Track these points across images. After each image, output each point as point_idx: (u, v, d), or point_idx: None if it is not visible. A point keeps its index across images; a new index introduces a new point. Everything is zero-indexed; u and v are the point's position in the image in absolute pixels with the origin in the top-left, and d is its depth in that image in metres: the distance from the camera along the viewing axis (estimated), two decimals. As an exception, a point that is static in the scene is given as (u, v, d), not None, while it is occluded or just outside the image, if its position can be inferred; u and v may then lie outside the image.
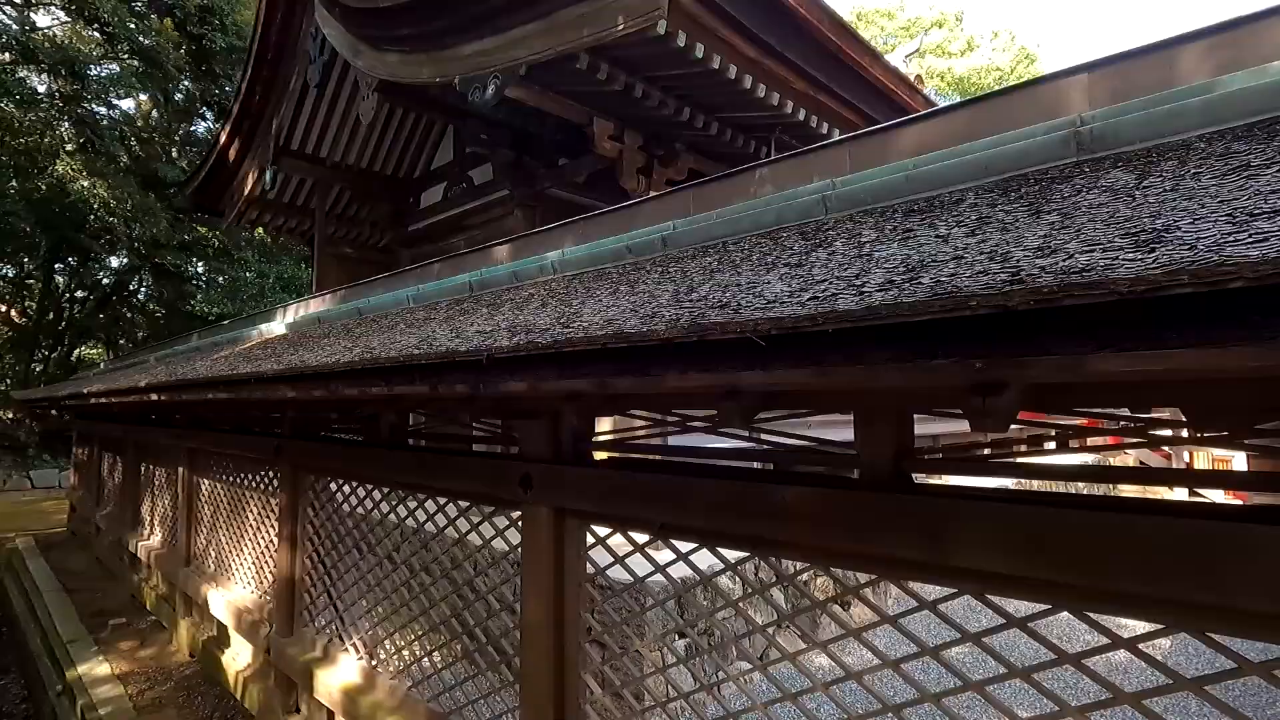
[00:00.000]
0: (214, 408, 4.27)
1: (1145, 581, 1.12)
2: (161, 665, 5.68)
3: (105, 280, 21.48)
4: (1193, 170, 0.99)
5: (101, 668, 5.64)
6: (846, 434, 1.62)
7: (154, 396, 3.66)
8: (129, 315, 22.10)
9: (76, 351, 22.29)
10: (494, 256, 2.78)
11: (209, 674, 5.19)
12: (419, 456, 3.05)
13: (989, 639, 1.45)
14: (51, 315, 20.73)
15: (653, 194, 2.22)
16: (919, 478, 1.61)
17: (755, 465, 2.13)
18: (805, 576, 4.92)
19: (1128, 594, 1.17)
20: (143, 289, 22.41)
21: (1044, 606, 1.35)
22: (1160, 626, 1.22)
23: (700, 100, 6.50)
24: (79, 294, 21.90)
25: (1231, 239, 0.67)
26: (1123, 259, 0.69)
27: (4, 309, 20.90)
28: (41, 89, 14.21)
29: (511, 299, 2.19)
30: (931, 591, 1.47)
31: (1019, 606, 1.35)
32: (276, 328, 4.28)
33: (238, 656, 4.82)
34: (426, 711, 3.02)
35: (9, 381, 18.81)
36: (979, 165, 1.32)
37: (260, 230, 13.49)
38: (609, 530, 2.27)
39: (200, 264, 19.65)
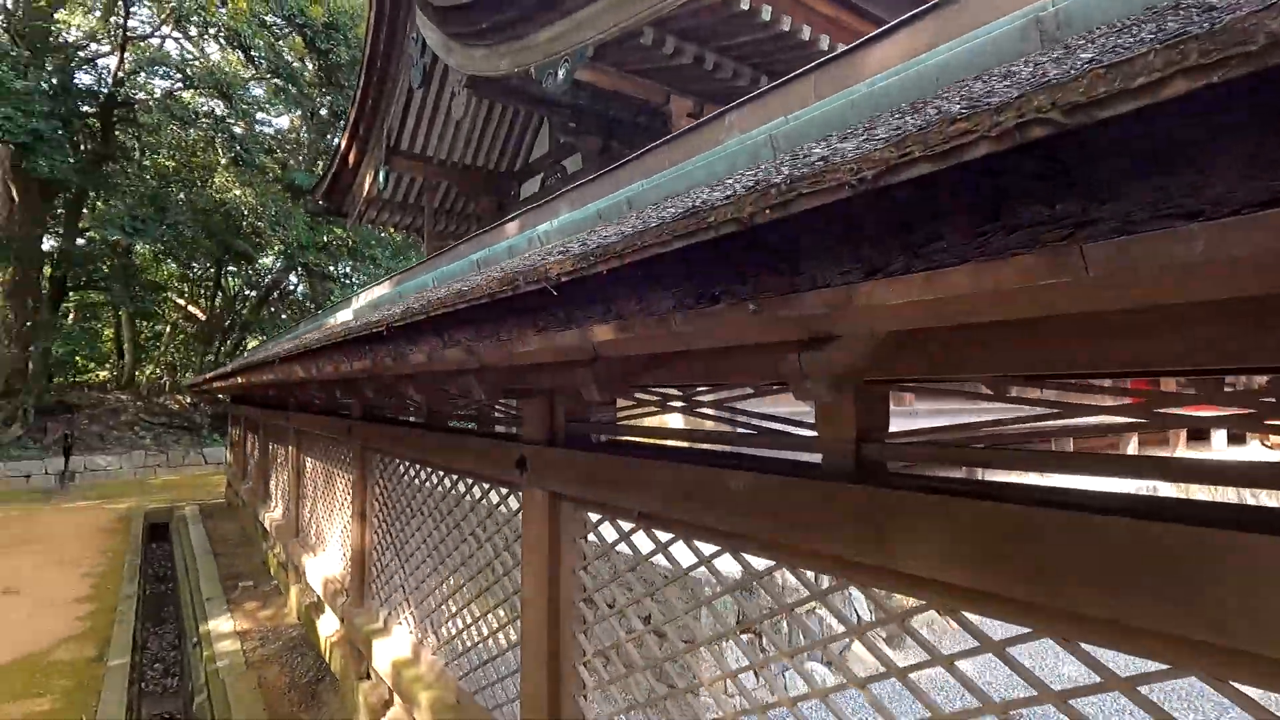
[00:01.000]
0: (286, 389, 4.55)
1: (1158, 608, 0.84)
2: (275, 626, 6.24)
3: (265, 280, 24.14)
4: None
5: (226, 624, 6.29)
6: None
7: (238, 379, 3.94)
8: (285, 311, 24.67)
9: (244, 344, 25.17)
10: (504, 232, 2.72)
11: (309, 637, 5.62)
12: (445, 437, 3.07)
13: (964, 662, 1.19)
14: (222, 311, 23.56)
15: (631, 155, 2.04)
16: (904, 468, 1.36)
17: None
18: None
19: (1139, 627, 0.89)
20: (297, 287, 24.96)
21: (1024, 630, 1.08)
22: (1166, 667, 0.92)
23: (776, 68, 6.14)
24: (248, 293, 24.77)
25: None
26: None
27: (186, 305, 23.99)
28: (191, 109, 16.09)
29: (490, 273, 2.11)
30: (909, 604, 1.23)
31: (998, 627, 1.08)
32: (346, 314, 4.51)
33: (327, 622, 5.18)
34: (457, 689, 3.05)
35: (190, 371, 21.61)
36: (929, 77, 1.05)
37: (392, 230, 14.54)
38: (599, 516, 2.15)
39: (339, 263, 21.52)
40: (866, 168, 0.41)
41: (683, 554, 1.82)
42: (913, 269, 0.45)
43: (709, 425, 1.78)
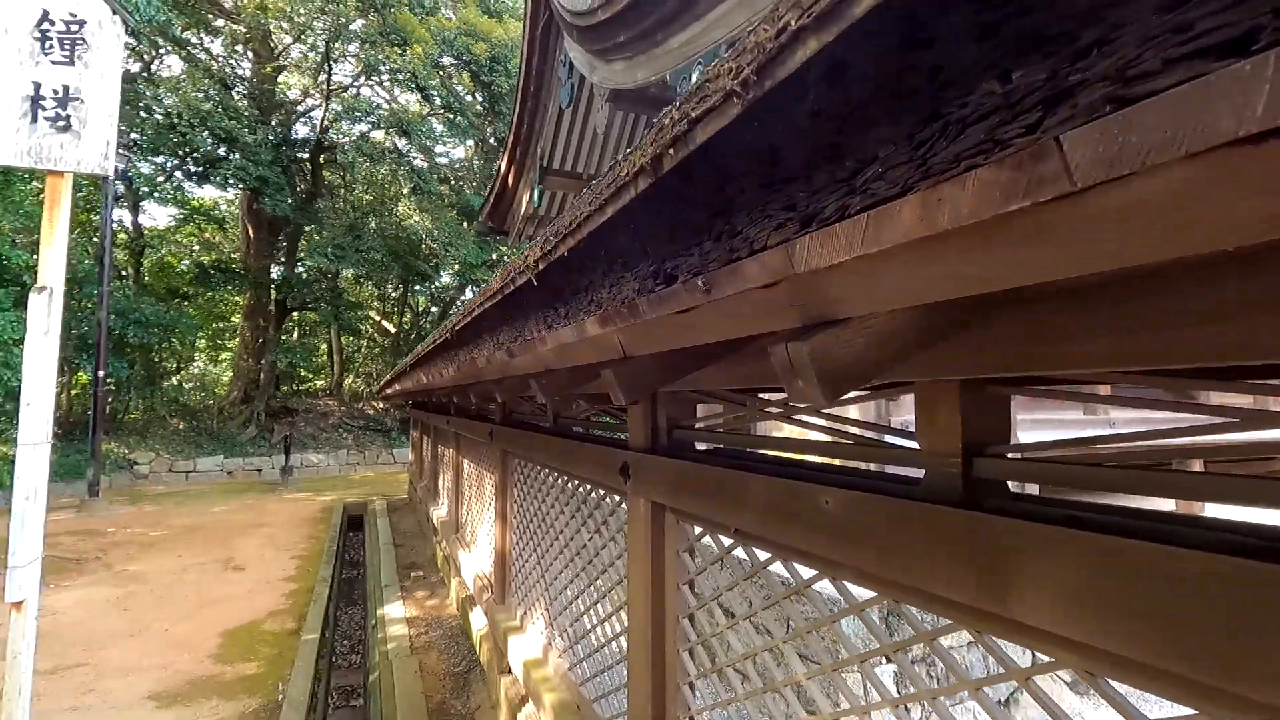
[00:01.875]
0: (435, 393, 4.85)
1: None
2: (437, 615, 6.74)
3: (445, 297, 26.59)
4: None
5: (398, 610, 6.90)
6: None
7: (395, 385, 4.28)
8: (459, 324, 26.92)
9: (425, 355, 27.83)
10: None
11: (464, 628, 6.00)
12: (565, 442, 3.09)
13: (1111, 746, 0.93)
14: (410, 326, 26.26)
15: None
16: (1025, 489, 1.11)
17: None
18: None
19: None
20: (470, 302, 27.19)
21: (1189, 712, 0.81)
22: None
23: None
24: (432, 309, 27.45)
25: None
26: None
27: (380, 321, 27.04)
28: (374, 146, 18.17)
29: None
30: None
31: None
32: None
33: (477, 616, 5.48)
34: (578, 693, 3.05)
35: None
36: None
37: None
38: (702, 530, 2.03)
39: (505, 278, 23.10)
40: (746, 62, 0.28)
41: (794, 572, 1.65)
42: (849, 210, 0.31)
43: (820, 435, 1.60)
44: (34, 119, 2.81)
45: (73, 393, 17.72)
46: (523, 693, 3.85)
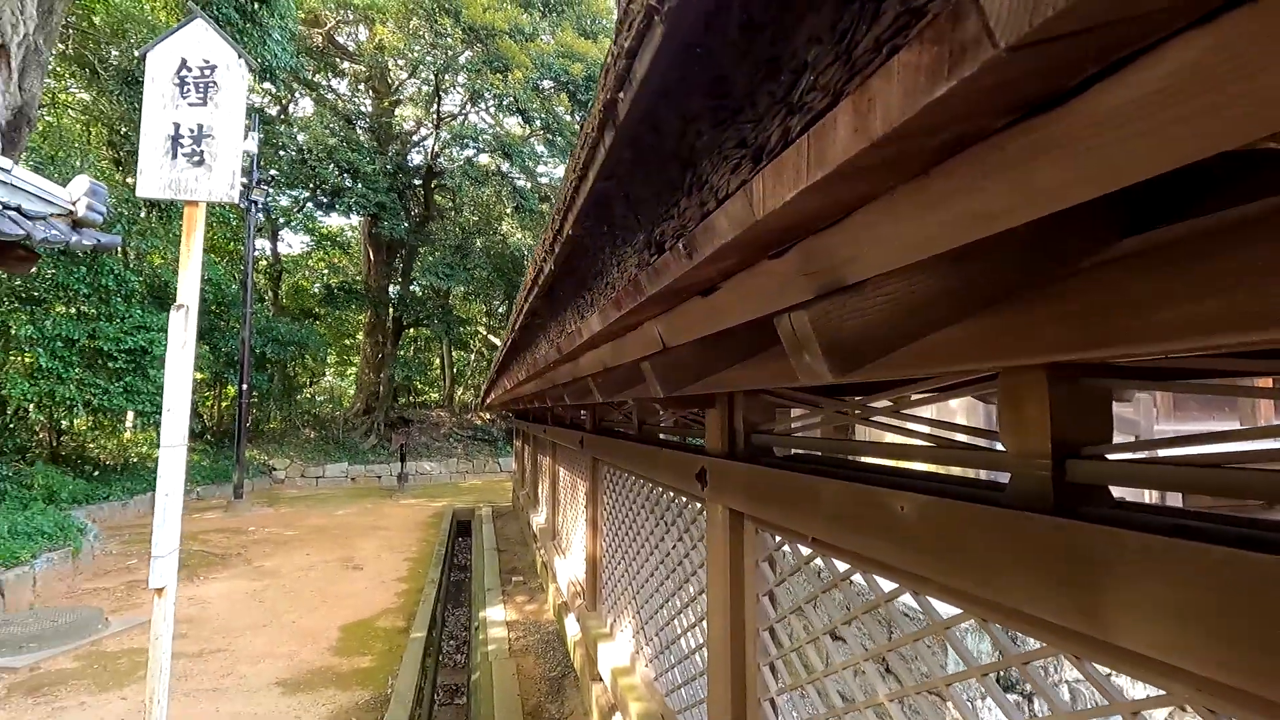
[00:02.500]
0: (526, 399, 4.97)
1: None
2: (535, 620, 6.90)
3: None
4: None
5: (499, 613, 7.12)
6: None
7: (492, 395, 4.43)
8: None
9: (529, 367, 28.80)
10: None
11: (560, 633, 6.10)
12: (646, 449, 3.08)
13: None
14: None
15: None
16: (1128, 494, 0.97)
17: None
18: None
19: None
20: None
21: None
22: None
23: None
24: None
25: None
26: None
27: (487, 335, 28.30)
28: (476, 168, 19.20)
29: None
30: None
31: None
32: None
33: (571, 623, 5.55)
34: (663, 704, 3.01)
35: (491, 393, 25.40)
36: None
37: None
38: (781, 539, 1.95)
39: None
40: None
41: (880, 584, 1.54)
42: (791, 134, 0.26)
43: (901, 438, 1.49)
44: (174, 155, 3.15)
45: (223, 405, 19.70)
46: (613, 701, 3.85)
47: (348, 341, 26.88)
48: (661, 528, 3.06)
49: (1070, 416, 0.98)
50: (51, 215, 4.35)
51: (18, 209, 4.07)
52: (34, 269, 4.59)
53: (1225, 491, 0.84)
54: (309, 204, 20.23)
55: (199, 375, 19.29)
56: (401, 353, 23.25)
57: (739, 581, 2.11)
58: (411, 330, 24.96)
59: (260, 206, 15.24)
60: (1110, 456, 0.94)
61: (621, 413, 3.95)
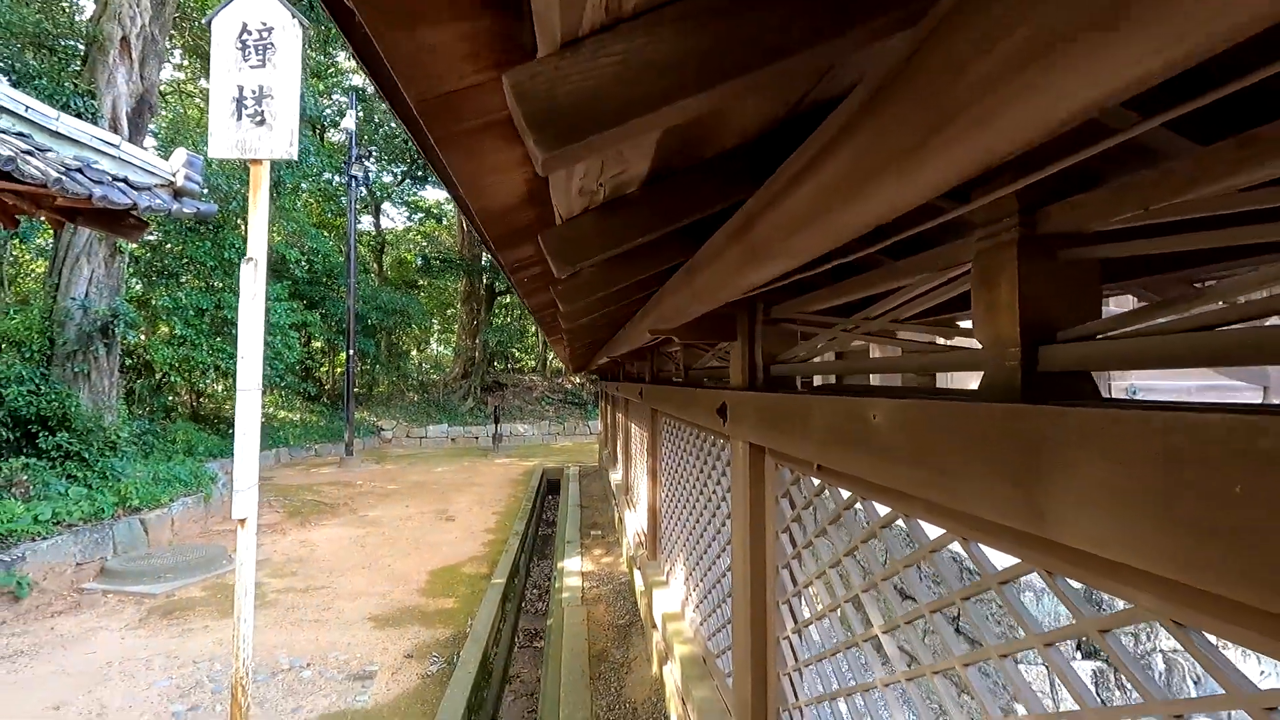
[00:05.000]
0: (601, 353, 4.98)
1: None
2: (609, 571, 7.06)
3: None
4: None
5: (575, 564, 7.34)
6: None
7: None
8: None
9: (618, 333, 29.10)
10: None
11: (631, 585, 6.21)
12: (686, 391, 3.01)
13: None
14: (602, 306, 27.64)
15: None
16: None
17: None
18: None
19: None
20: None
21: None
22: None
23: None
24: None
25: None
26: None
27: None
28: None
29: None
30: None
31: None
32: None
33: (638, 574, 5.63)
34: (705, 647, 3.00)
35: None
36: None
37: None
38: (794, 471, 1.85)
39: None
40: None
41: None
42: None
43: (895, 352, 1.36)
44: (239, 117, 3.33)
45: (337, 370, 21.25)
46: (664, 646, 3.88)
47: (450, 312, 28.17)
48: (704, 474, 3.01)
49: (1045, 296, 0.84)
50: (155, 185, 4.74)
51: (125, 180, 4.46)
52: (146, 236, 5.03)
53: (1224, 359, 0.68)
54: (407, 179, 21.15)
55: (316, 344, 20.89)
56: (495, 320, 24.10)
57: (759, 518, 2.03)
58: (505, 299, 25.82)
59: (360, 181, 16.07)
60: (1087, 338, 0.80)
61: (673, 361, 3.89)
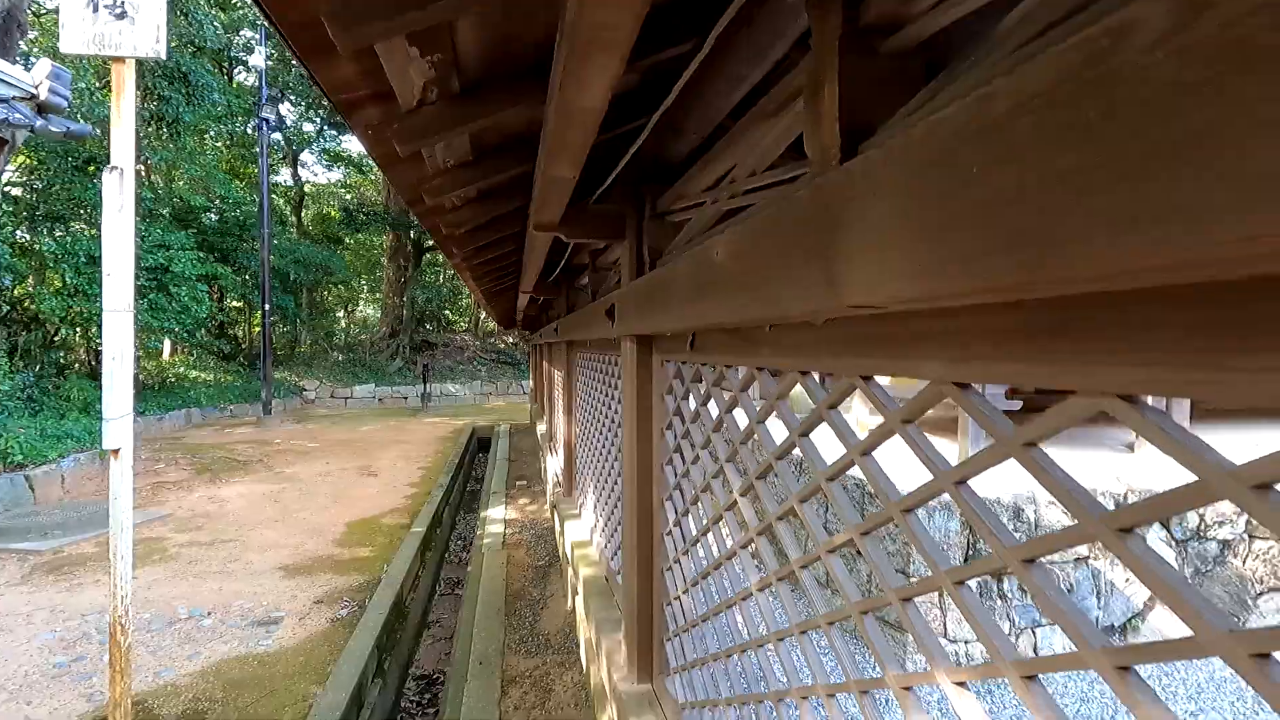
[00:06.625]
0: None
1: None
2: (532, 518, 7.04)
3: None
4: None
5: (499, 513, 7.29)
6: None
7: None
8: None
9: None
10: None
11: (553, 528, 6.21)
12: (589, 311, 2.96)
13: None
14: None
15: None
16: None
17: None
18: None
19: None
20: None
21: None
22: None
23: None
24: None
25: None
26: None
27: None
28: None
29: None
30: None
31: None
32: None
33: (556, 514, 5.63)
34: (607, 567, 3.01)
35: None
36: None
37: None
38: (674, 363, 1.83)
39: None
40: None
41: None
42: None
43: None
44: (95, 8, 3.01)
45: (254, 330, 20.20)
46: (573, 573, 3.90)
47: (379, 274, 27.06)
48: (608, 396, 2.98)
49: (864, 96, 0.80)
50: (14, 99, 4.28)
51: (-25, 89, 4.00)
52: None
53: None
54: (326, 126, 20.01)
55: (235, 303, 19.74)
56: (425, 278, 23.36)
57: (646, 417, 2.01)
58: (437, 256, 24.98)
59: (273, 125, 15.08)
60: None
61: (587, 291, 3.82)
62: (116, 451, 3.05)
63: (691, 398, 1.71)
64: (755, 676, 1.35)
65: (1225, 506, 3.73)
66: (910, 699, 0.82)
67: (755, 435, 1.26)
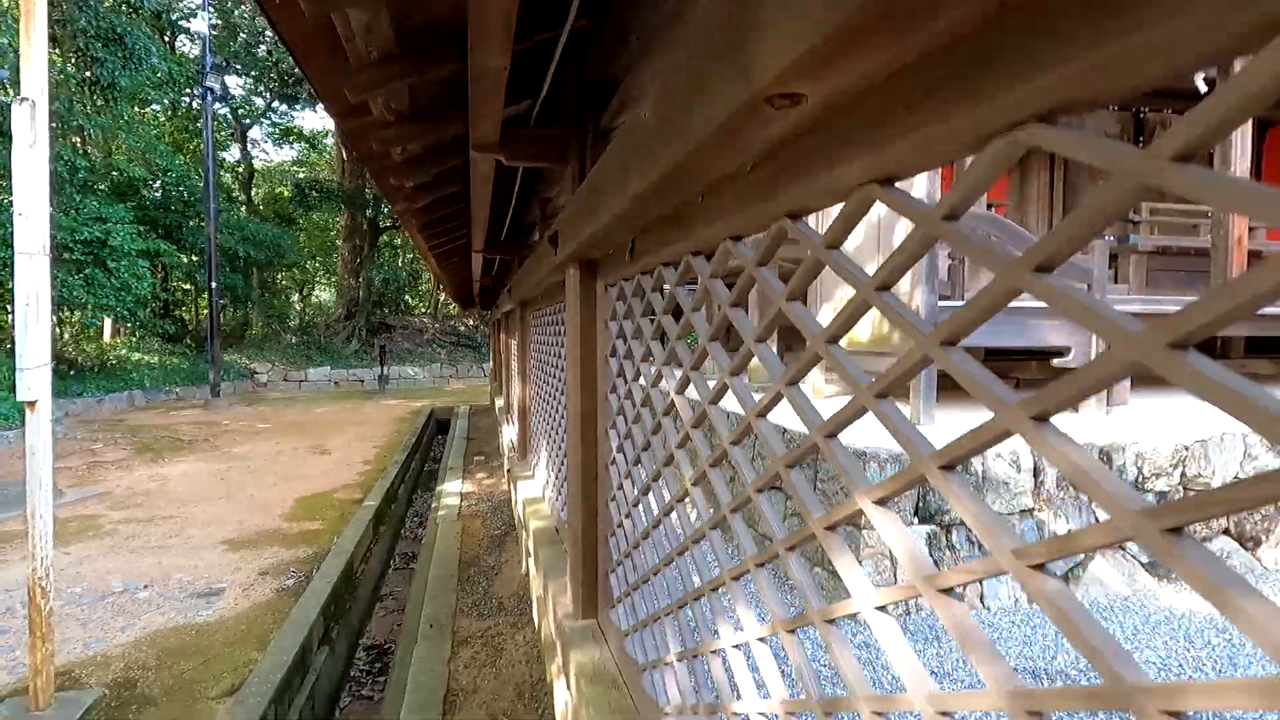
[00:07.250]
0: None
1: None
2: (490, 491, 6.95)
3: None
4: None
5: (456, 487, 7.18)
6: None
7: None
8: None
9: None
10: None
11: (510, 499, 6.13)
12: (538, 253, 2.87)
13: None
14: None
15: None
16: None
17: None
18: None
19: None
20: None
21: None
22: None
23: None
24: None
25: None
26: None
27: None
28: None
29: None
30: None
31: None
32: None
33: (511, 479, 5.55)
34: (557, 520, 2.95)
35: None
36: None
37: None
38: (616, 286, 1.77)
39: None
40: None
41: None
42: None
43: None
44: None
45: (202, 311, 19.46)
46: (523, 524, 3.83)
47: (335, 256, 26.32)
48: (557, 345, 2.91)
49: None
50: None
51: None
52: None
53: None
54: (277, 100, 19.30)
55: (183, 284, 18.97)
56: (382, 259, 22.83)
57: (590, 343, 1.96)
58: (395, 238, 24.42)
59: (218, 95, 14.47)
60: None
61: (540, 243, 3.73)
62: (33, 404, 2.87)
63: (634, 316, 1.65)
64: (691, 587, 1.31)
65: (1161, 460, 3.85)
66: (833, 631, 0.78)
67: (694, 327, 1.22)
